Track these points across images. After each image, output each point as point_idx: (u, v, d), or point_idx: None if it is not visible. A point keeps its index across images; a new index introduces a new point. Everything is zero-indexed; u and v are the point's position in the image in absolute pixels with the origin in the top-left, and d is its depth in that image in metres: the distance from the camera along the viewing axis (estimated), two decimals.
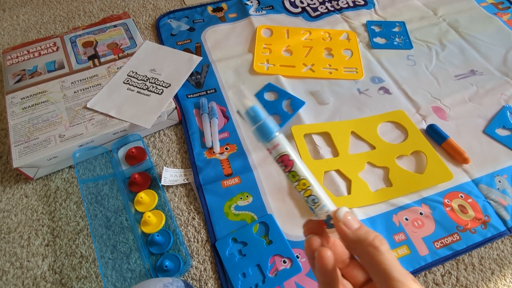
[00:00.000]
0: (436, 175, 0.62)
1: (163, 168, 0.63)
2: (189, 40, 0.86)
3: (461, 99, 0.75)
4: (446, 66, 0.81)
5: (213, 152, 0.65)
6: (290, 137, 0.68)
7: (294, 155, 0.28)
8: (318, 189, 0.28)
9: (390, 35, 0.88)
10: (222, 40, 0.86)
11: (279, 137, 0.28)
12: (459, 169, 0.64)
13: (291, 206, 0.59)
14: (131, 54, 0.76)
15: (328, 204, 0.27)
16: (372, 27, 0.90)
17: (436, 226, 0.57)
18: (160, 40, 0.86)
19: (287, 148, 0.28)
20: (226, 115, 0.72)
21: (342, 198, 0.59)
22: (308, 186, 0.28)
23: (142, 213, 0.58)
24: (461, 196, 0.61)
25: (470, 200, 0.60)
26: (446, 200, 0.60)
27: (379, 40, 0.87)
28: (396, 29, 0.90)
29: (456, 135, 0.68)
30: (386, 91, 0.77)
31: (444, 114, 0.72)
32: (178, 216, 0.59)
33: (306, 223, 0.29)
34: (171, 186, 0.63)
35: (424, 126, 0.70)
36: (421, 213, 0.59)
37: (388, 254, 0.24)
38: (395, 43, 0.86)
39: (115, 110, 0.65)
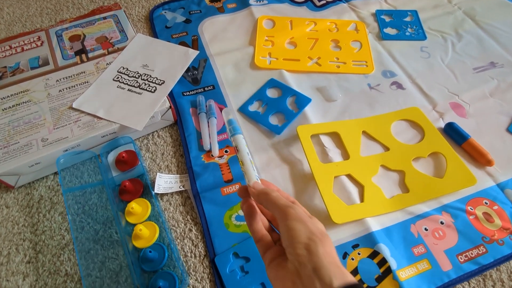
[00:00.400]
0: (458, 180, 0.56)
1: (156, 174, 0.57)
2: (185, 33, 0.80)
3: (481, 94, 0.69)
4: (464, 58, 0.75)
5: (212, 155, 0.60)
6: (295, 138, 0.62)
7: (241, 146, 0.40)
8: (249, 167, 0.38)
9: (402, 25, 0.82)
10: (220, 33, 0.80)
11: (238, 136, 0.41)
12: (482, 172, 0.58)
13: None
14: (122, 49, 0.70)
15: (253, 177, 0.38)
16: (382, 16, 0.84)
17: (459, 237, 0.52)
18: (154, 33, 0.79)
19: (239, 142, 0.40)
20: None
21: (354, 206, 0.53)
22: (242, 165, 0.39)
23: (133, 225, 0.53)
24: (485, 202, 0.55)
25: (496, 207, 0.54)
26: (469, 208, 0.54)
27: (389, 30, 0.81)
28: (408, 19, 0.83)
29: (476, 134, 0.62)
30: (399, 86, 0.70)
31: (463, 111, 0.66)
32: (174, 228, 0.54)
33: (239, 188, 0.39)
34: (166, 194, 0.57)
35: (442, 124, 0.64)
36: (442, 222, 0.53)
37: (274, 193, 0.35)
38: (407, 33, 0.80)
39: (103, 110, 0.59)
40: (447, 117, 0.65)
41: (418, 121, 0.64)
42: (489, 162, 0.58)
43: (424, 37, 0.79)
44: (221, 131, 0.63)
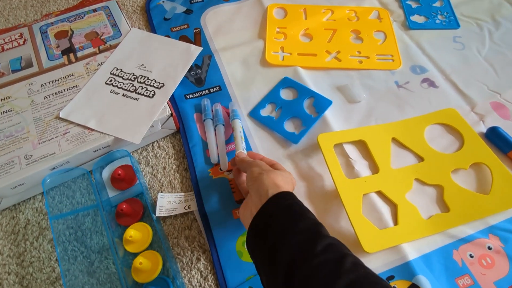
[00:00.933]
0: (507, 196, 0.48)
1: (158, 194, 0.50)
2: (186, 26, 0.71)
3: None
4: (503, 49, 0.66)
5: (220, 169, 0.52)
6: (315, 147, 0.54)
7: (237, 127, 0.53)
8: (238, 141, 0.51)
9: (431, 12, 0.72)
10: (226, 24, 0.71)
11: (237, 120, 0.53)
12: None
13: None
14: (115, 46, 0.61)
15: (239, 148, 0.50)
16: (408, 2, 0.74)
17: (510, 265, 0.44)
18: (151, 26, 0.71)
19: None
20: None
21: (387, 231, 0.46)
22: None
23: (133, 255, 0.46)
24: None
25: None
26: None
27: (417, 18, 0.71)
28: (437, 4, 0.74)
29: None
30: (431, 83, 0.62)
31: (506, 112, 0.58)
32: (179, 257, 0.47)
33: (232, 158, 0.49)
34: (169, 217, 0.50)
35: (483, 128, 0.56)
36: (489, 248, 0.46)
37: (247, 158, 0.46)
38: (437, 21, 0.70)
39: (95, 120, 0.52)
40: (489, 119, 0.57)
41: (456, 125, 0.56)
42: None
43: (456, 25, 0.69)
44: (229, 140, 0.55)
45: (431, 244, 0.46)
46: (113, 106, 0.53)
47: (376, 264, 0.44)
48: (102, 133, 0.51)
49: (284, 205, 0.37)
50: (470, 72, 0.63)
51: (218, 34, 0.69)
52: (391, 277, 0.44)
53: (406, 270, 0.44)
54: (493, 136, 0.54)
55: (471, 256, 0.45)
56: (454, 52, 0.66)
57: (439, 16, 0.71)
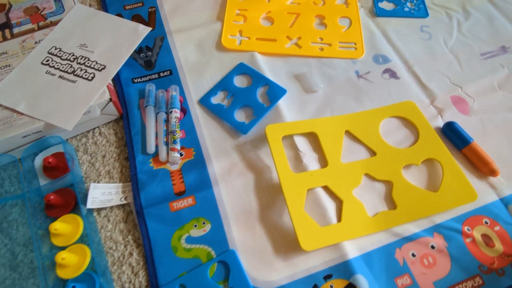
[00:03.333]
0: (455, 194, 0.47)
1: (90, 184, 0.47)
2: (140, 4, 0.66)
3: (488, 86, 0.58)
4: (470, 41, 0.63)
5: (161, 159, 0.49)
6: (265, 138, 0.51)
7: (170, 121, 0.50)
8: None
9: None
10: (184, 3, 0.67)
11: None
12: (483, 183, 0.49)
13: (262, 237, 0.45)
14: (56, 23, 0.56)
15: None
16: None
17: (452, 265, 0.43)
18: (103, 3, 0.66)
19: None
20: (183, 107, 0.55)
21: (329, 228, 0.44)
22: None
23: (62, 248, 0.43)
24: (486, 222, 0.46)
25: (497, 228, 0.46)
26: (466, 228, 0.46)
27: (385, 5, 0.68)
28: None
29: (480, 136, 0.52)
30: (393, 74, 0.59)
31: (466, 106, 0.56)
32: (111, 251, 0.44)
33: None
34: (104, 208, 0.47)
35: (441, 123, 0.54)
36: (433, 247, 0.44)
37: None
38: (406, 9, 0.67)
39: (26, 103, 0.48)
40: (447, 114, 0.55)
41: (412, 119, 0.54)
42: (493, 172, 0.49)
43: (425, 14, 0.66)
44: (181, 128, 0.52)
45: (374, 242, 0.45)
46: (48, 89, 0.49)
47: (315, 262, 0.43)
48: (32, 117, 0.47)
49: None
50: (434, 63, 0.60)
51: (175, 14, 0.65)
52: (329, 276, 0.42)
53: (344, 269, 0.42)
54: (449, 132, 0.52)
55: (413, 255, 0.44)
56: (420, 42, 0.63)
57: (408, 4, 0.68)
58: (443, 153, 0.50)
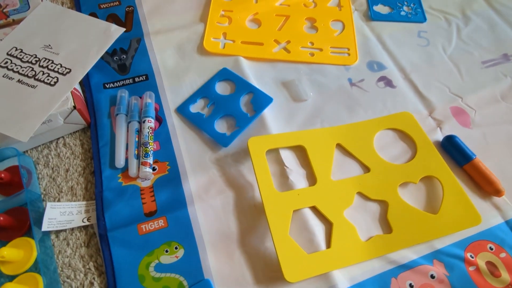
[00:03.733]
0: (457, 217, 0.42)
1: (46, 204, 0.42)
2: (117, 3, 0.61)
3: (490, 97, 0.54)
4: (471, 48, 0.59)
5: (130, 175, 0.44)
6: (246, 152, 0.46)
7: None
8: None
9: (397, 2, 0.65)
10: (165, 3, 0.62)
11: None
12: (487, 204, 0.45)
13: (241, 265, 0.40)
14: (19, 22, 0.51)
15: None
16: None
17: None
18: (76, 1, 0.61)
19: None
20: (159, 116, 0.50)
21: (317, 255, 0.39)
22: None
23: (11, 277, 0.38)
24: (490, 247, 0.42)
25: (503, 255, 0.41)
26: (469, 255, 0.41)
27: (381, 8, 0.64)
28: None
29: (482, 151, 0.48)
30: (388, 83, 0.55)
31: (467, 118, 0.52)
32: (68, 281, 0.39)
33: None
34: (64, 230, 0.42)
35: (440, 136, 0.50)
36: (432, 276, 0.40)
37: None
38: (402, 13, 0.63)
39: None
40: (447, 126, 0.50)
41: (409, 132, 0.49)
42: (498, 192, 0.44)
43: (423, 19, 0.62)
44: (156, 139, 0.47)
45: (367, 271, 0.40)
46: (3, 94, 0.44)
47: None
48: None
49: None
50: (432, 72, 0.56)
51: (154, 15, 0.60)
52: None
53: None
54: (449, 146, 0.48)
55: (411, 286, 0.39)
56: (417, 48, 0.59)
57: (405, 8, 0.64)
58: (443, 170, 0.45)
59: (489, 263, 0.41)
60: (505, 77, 0.56)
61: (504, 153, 0.48)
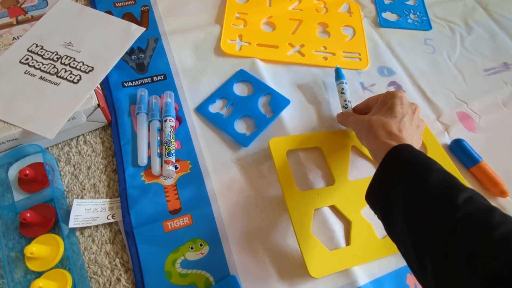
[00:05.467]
0: None
1: (73, 200, 0.42)
2: (132, 1, 0.61)
3: (492, 103, 0.57)
4: (473, 56, 0.62)
5: (153, 173, 0.45)
6: (268, 152, 0.48)
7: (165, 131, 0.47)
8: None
9: (404, 10, 0.67)
10: (180, 3, 0.63)
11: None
12: (493, 204, 0.47)
13: (265, 261, 0.41)
14: (38, 18, 0.51)
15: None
16: None
17: None
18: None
19: None
20: (179, 115, 0.50)
21: (338, 252, 0.41)
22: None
23: (38, 274, 0.38)
24: None
25: None
26: None
27: (389, 15, 0.66)
28: (410, 2, 0.69)
29: (487, 154, 0.51)
30: (398, 87, 0.57)
31: (472, 123, 0.54)
32: (95, 277, 0.39)
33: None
34: (89, 227, 0.42)
35: (447, 140, 0.52)
36: None
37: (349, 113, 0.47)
38: (409, 21, 0.66)
39: (1, 106, 0.42)
40: (454, 130, 0.53)
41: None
42: (503, 193, 0.47)
43: (429, 27, 0.65)
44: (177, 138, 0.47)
45: (384, 267, 0.42)
46: (26, 91, 0.44)
47: None
48: (7, 123, 0.41)
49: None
50: (438, 78, 0.59)
51: (170, 14, 0.61)
52: None
53: None
54: (457, 149, 0.50)
55: None
56: (424, 55, 0.62)
57: (411, 16, 0.67)
58: (452, 172, 0.48)
59: None
60: (506, 84, 0.59)
61: (507, 157, 0.51)
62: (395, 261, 0.42)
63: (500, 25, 0.67)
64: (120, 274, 0.40)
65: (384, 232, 0.44)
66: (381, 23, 0.65)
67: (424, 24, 0.66)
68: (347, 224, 0.44)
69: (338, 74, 0.53)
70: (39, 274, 0.38)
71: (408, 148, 0.35)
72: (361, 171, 0.48)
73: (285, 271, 0.40)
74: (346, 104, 0.50)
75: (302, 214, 0.42)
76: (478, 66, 0.61)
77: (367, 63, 0.59)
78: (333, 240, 0.42)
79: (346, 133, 0.50)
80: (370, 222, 0.44)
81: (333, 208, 0.45)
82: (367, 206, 0.45)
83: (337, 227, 0.43)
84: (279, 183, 0.44)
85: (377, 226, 0.44)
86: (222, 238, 0.42)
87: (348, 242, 0.42)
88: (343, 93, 0.51)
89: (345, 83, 0.52)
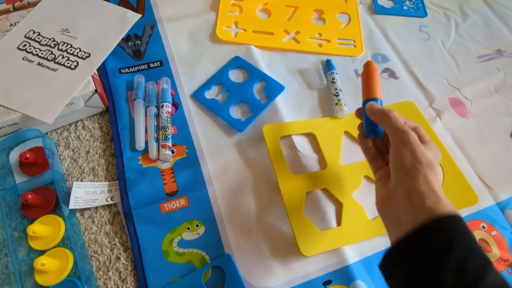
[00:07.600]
0: (456, 197, 0.46)
1: (73, 183, 0.43)
2: None
3: (485, 89, 0.58)
4: (468, 43, 0.63)
5: (151, 157, 0.46)
6: (260, 137, 0.49)
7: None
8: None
9: None
10: None
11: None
12: (480, 187, 0.49)
13: (259, 241, 0.42)
14: (34, 5, 0.51)
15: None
16: None
17: None
18: None
19: None
20: (175, 101, 0.51)
21: (329, 232, 0.42)
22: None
23: (40, 252, 0.40)
24: (483, 226, 0.46)
25: (494, 233, 0.46)
26: None
27: (384, 2, 0.67)
28: None
29: (478, 139, 0.52)
30: (392, 74, 0.58)
31: (464, 109, 0.55)
32: (96, 255, 0.41)
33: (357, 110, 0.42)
34: (89, 208, 0.43)
35: (439, 125, 0.53)
36: None
37: (392, 113, 0.35)
38: (404, 7, 0.66)
39: (0, 92, 0.43)
40: (446, 115, 0.54)
41: (412, 120, 0.53)
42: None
43: (424, 14, 0.66)
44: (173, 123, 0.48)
45: (373, 246, 0.43)
46: (25, 77, 0.45)
47: (314, 267, 0.41)
48: (7, 108, 0.42)
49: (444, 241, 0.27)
50: (432, 64, 0.60)
51: (166, 1, 0.61)
52: (328, 282, 0.41)
53: (344, 274, 0.41)
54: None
55: None
56: (418, 42, 0.62)
57: (407, 2, 0.67)
58: (444, 156, 0.49)
59: (481, 240, 0.45)
60: (498, 71, 0.60)
61: (497, 142, 0.52)
62: (384, 241, 0.44)
63: (495, 12, 0.67)
64: (120, 253, 0.41)
65: (375, 213, 0.45)
66: (377, 10, 0.65)
67: (420, 11, 0.66)
68: (338, 206, 0.45)
69: (329, 65, 0.55)
70: (41, 253, 0.40)
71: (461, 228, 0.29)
72: (352, 156, 0.49)
73: (278, 250, 0.42)
74: (337, 93, 0.51)
75: (294, 196, 0.43)
76: (472, 53, 0.62)
77: (362, 50, 0.59)
78: (325, 221, 0.43)
79: (338, 120, 0.51)
80: (361, 204, 0.45)
81: (325, 191, 0.46)
82: (359, 189, 0.46)
83: (329, 209, 0.45)
84: (272, 168, 0.46)
85: (368, 208, 0.45)
86: (218, 219, 0.43)
87: (339, 223, 0.44)
88: (334, 82, 0.53)
89: (336, 73, 0.54)
